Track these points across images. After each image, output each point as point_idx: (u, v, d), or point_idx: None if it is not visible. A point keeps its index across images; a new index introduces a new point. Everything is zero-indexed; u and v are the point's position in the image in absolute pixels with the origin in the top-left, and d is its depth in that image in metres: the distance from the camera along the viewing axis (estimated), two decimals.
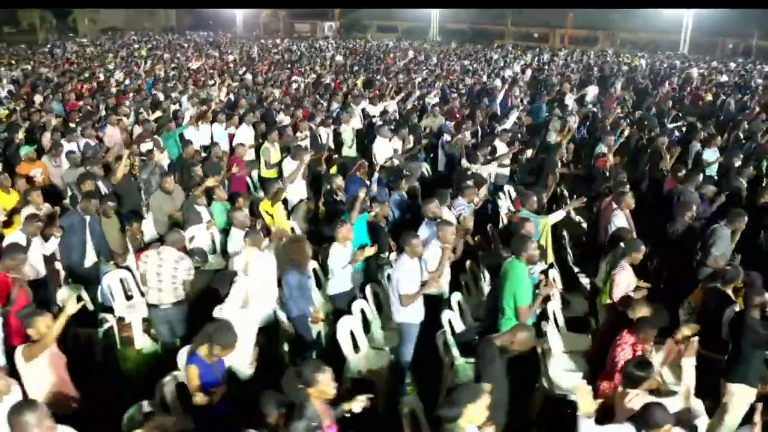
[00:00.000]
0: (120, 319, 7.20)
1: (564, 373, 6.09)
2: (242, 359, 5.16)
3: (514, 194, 10.71)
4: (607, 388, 5.38)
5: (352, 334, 6.31)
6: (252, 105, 15.04)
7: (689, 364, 4.89)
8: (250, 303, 5.32)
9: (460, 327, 6.56)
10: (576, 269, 8.69)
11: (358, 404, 4.29)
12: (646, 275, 8.68)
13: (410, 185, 9.17)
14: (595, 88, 20.33)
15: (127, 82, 20.06)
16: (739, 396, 5.25)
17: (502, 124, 12.57)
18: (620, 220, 7.55)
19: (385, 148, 11.12)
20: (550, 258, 7.67)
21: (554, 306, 6.82)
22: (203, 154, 10.76)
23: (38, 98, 15.91)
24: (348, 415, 4.32)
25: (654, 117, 14.44)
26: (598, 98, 19.23)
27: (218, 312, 5.32)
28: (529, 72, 25.56)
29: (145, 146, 11.51)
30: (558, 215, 7.75)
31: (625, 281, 6.31)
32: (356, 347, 6.32)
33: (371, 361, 6.27)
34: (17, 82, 20.56)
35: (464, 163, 10.03)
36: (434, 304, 6.43)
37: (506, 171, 11.14)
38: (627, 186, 8.10)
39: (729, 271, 5.88)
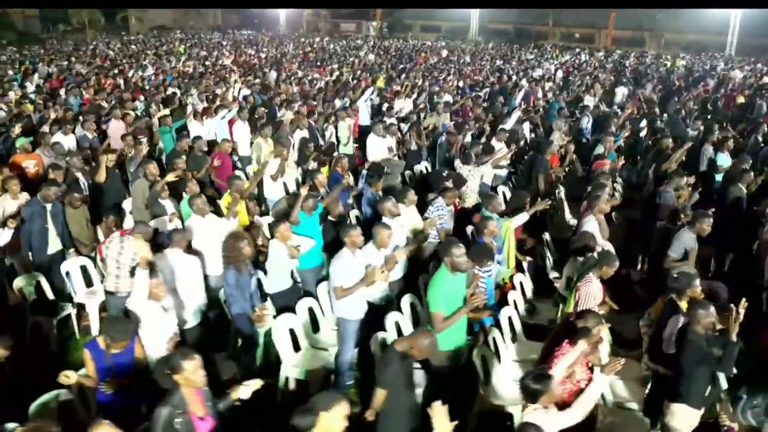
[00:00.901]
0: (81, 308, 7.23)
1: (511, 383, 5.78)
2: (158, 351, 5.06)
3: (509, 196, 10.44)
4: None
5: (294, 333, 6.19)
6: (263, 102, 15.11)
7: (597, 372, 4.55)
8: (164, 296, 5.20)
9: (408, 330, 6.31)
10: (554, 275, 8.29)
11: (245, 390, 4.12)
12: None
13: (387, 184, 8.99)
14: (624, 89, 19.72)
15: (153, 78, 20.46)
16: (681, 417, 4.85)
17: (503, 124, 12.18)
18: (590, 224, 7.15)
19: (377, 146, 10.93)
20: (512, 263, 7.30)
21: (509, 312, 6.51)
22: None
23: (63, 93, 16.39)
24: (238, 403, 4.15)
25: (678, 120, 13.82)
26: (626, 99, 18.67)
27: (128, 304, 5.24)
28: (560, 73, 24.95)
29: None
30: (521, 218, 7.40)
31: (591, 295, 5.94)
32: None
33: (309, 361, 6.09)
34: (51, 77, 21.23)
35: (457, 163, 9.72)
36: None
37: (503, 172, 10.79)
38: (604, 189, 7.67)
39: (678, 280, 5.44)
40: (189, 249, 6.45)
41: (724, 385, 5.42)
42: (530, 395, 3.97)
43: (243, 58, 28.78)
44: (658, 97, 18.75)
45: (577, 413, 4.12)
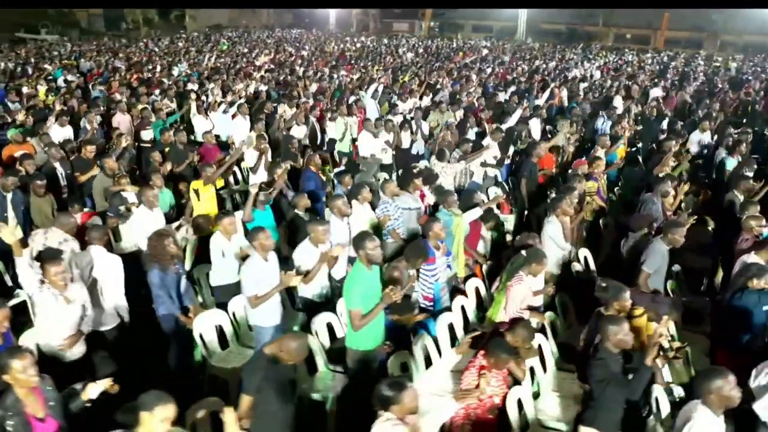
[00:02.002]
0: None
1: (430, 395, 5.43)
2: (55, 340, 5.00)
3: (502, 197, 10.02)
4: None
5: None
6: (277, 98, 15.10)
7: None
8: (64, 286, 5.07)
9: (341, 333, 6.06)
10: None
11: (94, 389, 3.95)
12: None
13: (361, 180, 8.75)
14: (658, 91, 18.83)
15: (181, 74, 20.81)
16: None
17: (505, 122, 11.74)
18: (551, 227, 6.71)
19: (369, 143, 10.70)
20: (462, 260, 6.91)
21: (450, 318, 6.15)
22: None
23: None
24: (89, 404, 3.99)
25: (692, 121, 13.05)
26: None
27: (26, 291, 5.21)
28: (597, 73, 24.09)
29: (146, 134, 11.87)
30: (474, 213, 6.99)
31: (520, 295, 5.59)
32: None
33: (231, 360, 5.90)
34: (90, 71, 21.92)
35: (432, 160, 9.40)
36: None
37: (494, 172, 10.38)
38: (571, 191, 7.18)
39: (605, 290, 4.98)
40: None
41: (666, 409, 4.98)
42: (382, 402, 3.66)
43: (281, 55, 28.96)
44: (695, 99, 17.89)
45: None
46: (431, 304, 6.29)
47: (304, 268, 6.06)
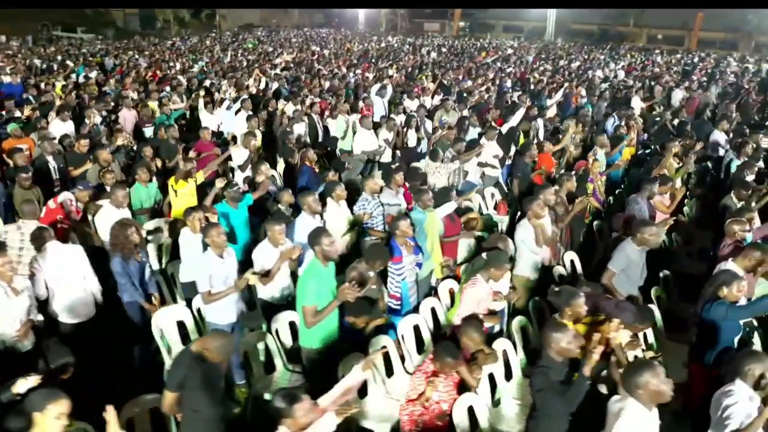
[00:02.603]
0: None
1: (386, 401, 5.28)
2: (5, 331, 5.02)
3: (499, 197, 9.80)
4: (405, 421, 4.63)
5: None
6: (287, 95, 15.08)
7: None
8: (9, 276, 5.06)
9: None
10: None
11: (22, 384, 3.85)
12: None
13: (348, 178, 8.63)
14: (681, 92, 18.27)
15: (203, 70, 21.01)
16: None
17: (508, 122, 11.47)
18: (523, 232, 6.47)
19: (365, 140, 10.56)
20: (438, 259, 6.70)
21: (415, 321, 5.96)
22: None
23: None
24: (18, 397, 3.91)
25: (705, 122, 12.57)
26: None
27: None
28: (622, 73, 23.54)
29: (149, 130, 11.94)
30: (447, 207, 6.76)
31: (473, 299, 5.37)
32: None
33: None
34: (113, 69, 22.27)
35: (426, 160, 9.20)
36: None
37: (494, 172, 10.14)
38: (544, 191, 6.90)
39: (558, 295, 4.74)
40: None
41: None
42: (275, 415, 3.50)
43: (303, 54, 29.03)
44: (720, 101, 17.30)
45: None
46: (398, 303, 6.13)
47: (261, 268, 5.91)
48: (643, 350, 5.65)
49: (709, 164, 11.05)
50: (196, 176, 7.98)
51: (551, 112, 14.44)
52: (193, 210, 6.37)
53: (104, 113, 12.43)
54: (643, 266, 6.22)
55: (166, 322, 5.81)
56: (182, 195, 7.65)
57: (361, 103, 13.35)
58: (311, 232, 5.12)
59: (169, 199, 7.83)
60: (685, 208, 9.26)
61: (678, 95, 18.11)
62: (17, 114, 11.67)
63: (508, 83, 19.82)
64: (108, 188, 7.69)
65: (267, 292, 6.06)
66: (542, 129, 12.62)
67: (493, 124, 11.59)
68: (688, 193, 9.74)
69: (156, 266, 7.23)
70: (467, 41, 42.23)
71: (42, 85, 16.07)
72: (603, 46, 36.75)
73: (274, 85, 16.50)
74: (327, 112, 12.97)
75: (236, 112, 12.40)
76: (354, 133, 11.06)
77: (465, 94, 15.55)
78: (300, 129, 11.55)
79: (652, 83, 20.60)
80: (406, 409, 4.56)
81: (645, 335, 5.99)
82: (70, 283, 5.80)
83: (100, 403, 3.46)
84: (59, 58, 25.05)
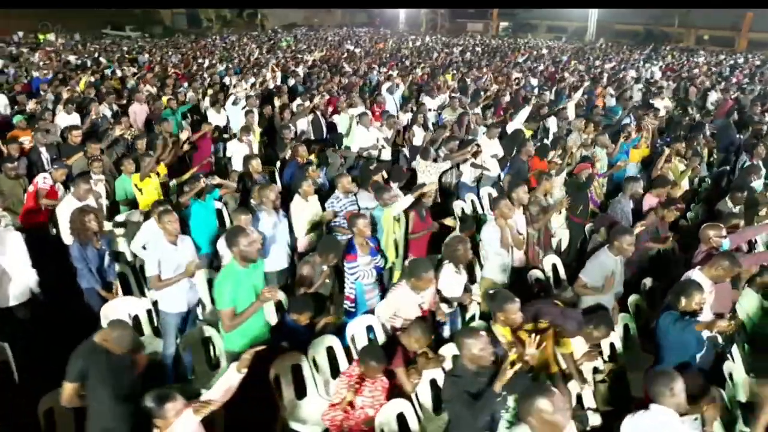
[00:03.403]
0: None
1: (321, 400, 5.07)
2: None
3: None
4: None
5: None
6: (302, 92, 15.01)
7: None
8: None
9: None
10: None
11: None
12: None
13: (331, 175, 8.46)
14: (716, 94, 17.47)
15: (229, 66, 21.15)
16: None
17: (511, 120, 11.11)
18: (487, 232, 6.16)
19: (363, 137, 10.36)
20: (392, 255, 6.44)
21: (369, 321, 5.72)
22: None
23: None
24: None
25: (728, 124, 11.91)
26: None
27: None
28: (658, 74, 22.73)
29: None
30: (404, 202, 6.47)
31: (395, 302, 5.15)
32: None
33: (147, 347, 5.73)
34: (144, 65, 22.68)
35: (418, 159, 8.95)
36: None
37: (492, 173, 9.79)
38: (519, 190, 6.58)
39: (491, 299, 4.44)
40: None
41: None
42: (148, 414, 3.35)
43: (335, 52, 29.03)
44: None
45: None
46: (353, 305, 5.91)
47: (225, 260, 5.83)
48: (605, 362, 5.34)
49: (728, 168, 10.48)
50: (158, 169, 7.91)
51: (570, 113, 13.96)
52: (159, 204, 6.30)
53: (115, 107, 12.57)
54: (620, 273, 5.87)
55: (116, 312, 5.74)
56: (147, 192, 7.61)
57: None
58: (228, 232, 4.94)
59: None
60: (690, 213, 8.75)
61: (712, 97, 17.34)
62: (29, 107, 11.88)
63: (534, 82, 19.33)
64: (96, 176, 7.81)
65: None
66: (555, 128, 12.22)
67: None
68: (695, 197, 9.24)
69: (130, 258, 7.20)
70: (506, 41, 41.53)
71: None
72: (644, 47, 35.57)
73: (290, 82, 16.46)
74: (331, 109, 12.80)
75: (243, 108, 12.38)
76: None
77: (482, 92, 15.17)
78: (302, 124, 11.44)
79: (688, 84, 19.78)
80: (327, 414, 4.36)
81: (613, 346, 5.65)
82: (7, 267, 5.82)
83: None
84: (96, 55, 25.62)
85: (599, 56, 29.46)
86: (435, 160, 8.84)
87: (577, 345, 4.99)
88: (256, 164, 8.19)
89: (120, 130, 9.87)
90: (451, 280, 5.58)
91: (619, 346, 5.63)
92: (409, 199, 6.39)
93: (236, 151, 9.45)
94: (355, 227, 5.87)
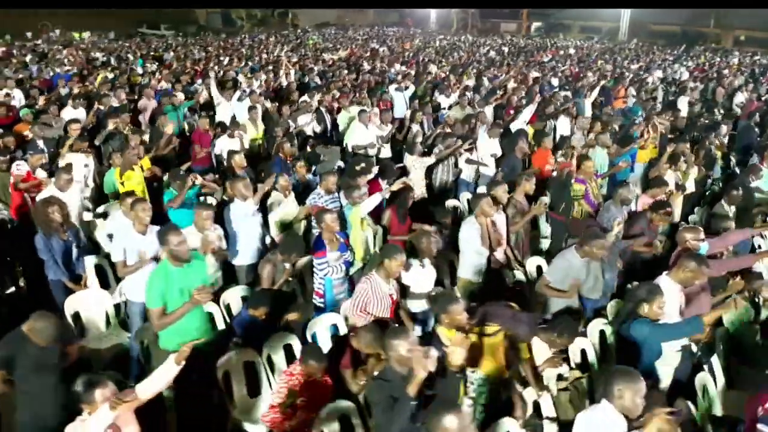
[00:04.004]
0: None
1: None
2: None
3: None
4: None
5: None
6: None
7: None
8: None
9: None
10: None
11: None
12: None
13: (324, 169, 8.35)
14: (743, 95, 16.89)
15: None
16: None
17: (515, 119, 10.85)
18: (466, 230, 5.95)
19: (359, 134, 10.22)
20: (359, 255, 6.27)
21: (333, 320, 5.59)
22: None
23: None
24: None
25: (750, 126, 11.45)
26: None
27: None
28: (686, 74, 22.10)
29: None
30: (372, 201, 6.31)
31: (362, 295, 4.98)
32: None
33: (105, 341, 5.71)
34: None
35: (405, 154, 8.79)
36: None
37: (490, 171, 9.57)
38: (498, 189, 6.35)
39: (434, 301, 4.24)
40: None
41: None
42: (76, 399, 3.34)
43: (360, 52, 28.97)
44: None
45: None
46: (322, 300, 5.79)
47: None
48: (571, 368, 5.10)
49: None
50: (141, 163, 7.89)
51: (587, 112, 13.62)
52: (127, 195, 6.28)
53: (124, 101, 12.68)
54: (596, 278, 5.62)
55: (82, 304, 5.73)
56: (129, 185, 7.58)
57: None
58: (159, 231, 4.83)
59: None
60: (693, 216, 8.38)
61: (739, 98, 16.76)
62: (40, 101, 12.06)
63: (555, 82, 18.95)
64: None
65: None
66: (566, 127, 11.91)
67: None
68: (702, 200, 8.87)
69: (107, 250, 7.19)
70: (535, 41, 40.95)
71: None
72: (676, 48, 34.66)
73: (306, 79, 16.44)
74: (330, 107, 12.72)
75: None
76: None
77: (499, 91, 14.90)
78: (303, 120, 11.37)
79: (716, 85, 19.17)
80: (267, 416, 4.23)
81: (584, 353, 5.40)
82: None
83: None
84: (123, 53, 26.03)
85: (627, 56, 28.79)
86: (422, 156, 8.66)
87: (541, 350, 4.79)
88: (239, 159, 8.13)
89: (113, 124, 9.90)
90: (415, 274, 5.40)
91: (591, 353, 5.37)
92: (377, 199, 6.24)
93: (225, 147, 9.39)
94: (323, 223, 5.74)
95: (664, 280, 4.77)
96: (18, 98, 13.40)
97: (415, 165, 8.42)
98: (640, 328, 4.28)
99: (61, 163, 7.99)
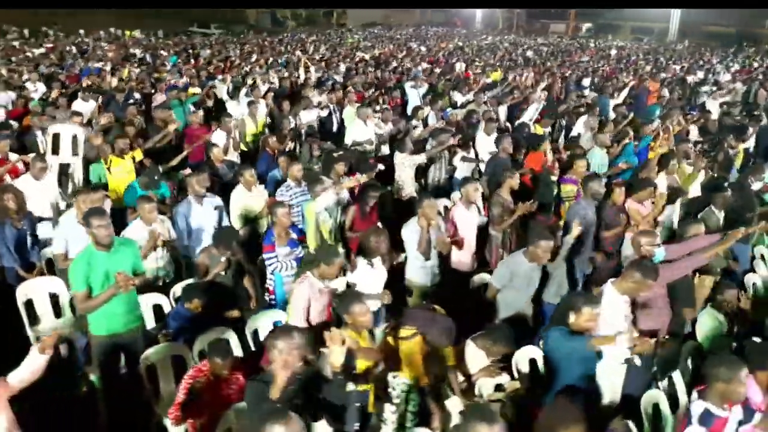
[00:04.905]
0: None
1: None
2: None
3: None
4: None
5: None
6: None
7: None
8: None
9: None
10: None
11: None
12: None
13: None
14: None
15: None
16: None
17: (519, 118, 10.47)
18: (406, 231, 5.69)
19: (358, 131, 10.03)
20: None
21: (276, 317, 5.42)
22: None
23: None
24: None
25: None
26: None
27: None
28: (728, 76, 21.11)
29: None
30: (325, 197, 6.09)
31: (302, 297, 4.73)
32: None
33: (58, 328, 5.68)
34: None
35: (396, 153, 8.54)
36: None
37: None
38: (468, 187, 6.04)
39: (339, 301, 3.99)
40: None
41: None
42: None
43: (393, 50, 28.81)
44: None
45: None
46: (273, 297, 5.63)
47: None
48: (513, 378, 4.79)
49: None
50: (134, 154, 7.88)
51: (611, 113, 13.08)
52: (81, 192, 6.23)
53: (138, 96, 12.85)
54: (559, 284, 5.31)
55: (34, 293, 5.71)
56: (116, 173, 7.59)
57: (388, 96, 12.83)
58: (86, 212, 4.76)
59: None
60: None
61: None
62: (53, 94, 12.32)
63: (586, 82, 18.36)
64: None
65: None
66: (581, 128, 11.44)
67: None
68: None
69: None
70: (579, 42, 39.95)
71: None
72: (726, 49, 33.22)
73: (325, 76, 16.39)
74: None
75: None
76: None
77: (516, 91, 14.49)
78: (308, 117, 11.26)
79: (758, 87, 18.22)
80: (172, 413, 4.07)
81: (534, 363, 5.06)
82: None
83: None
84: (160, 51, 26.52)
85: (671, 57, 27.72)
86: (413, 154, 8.40)
87: (478, 358, 4.51)
88: (216, 152, 8.12)
89: (105, 119, 9.98)
90: (363, 273, 5.17)
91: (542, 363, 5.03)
92: (330, 195, 6.03)
93: (214, 139, 9.31)
94: (275, 216, 5.59)
95: (608, 289, 4.41)
96: (40, 91, 13.77)
97: (405, 163, 8.15)
98: (551, 337, 3.98)
99: (49, 131, 8.24)
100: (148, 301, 5.55)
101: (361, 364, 3.78)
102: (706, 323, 5.16)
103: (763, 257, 7.11)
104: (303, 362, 3.37)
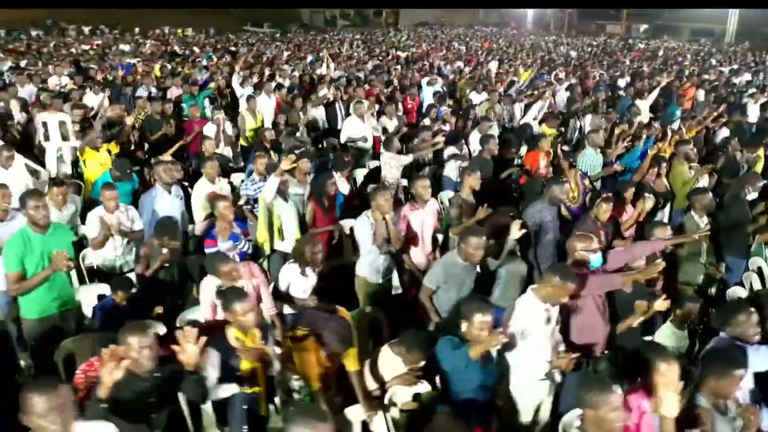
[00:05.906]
0: None
1: None
2: None
3: None
4: None
5: None
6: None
7: None
8: None
9: None
10: None
11: None
12: None
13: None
14: None
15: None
16: None
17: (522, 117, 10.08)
18: (358, 225, 5.46)
19: (353, 127, 9.85)
20: (266, 246, 5.92)
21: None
22: None
23: None
24: None
25: None
26: None
27: None
28: (747, 76, 20.11)
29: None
30: (269, 188, 5.88)
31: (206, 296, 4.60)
32: None
33: None
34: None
35: (382, 152, 8.32)
36: None
37: None
38: (418, 183, 5.77)
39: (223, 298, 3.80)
40: None
41: None
42: None
43: (435, 50, 28.53)
44: None
45: None
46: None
47: (91, 234, 5.70)
48: (435, 389, 4.50)
49: None
50: (109, 146, 7.91)
51: (644, 116, 12.47)
52: (55, 185, 6.28)
53: (152, 89, 13.03)
54: (514, 287, 4.99)
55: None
56: (90, 165, 7.64)
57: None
58: (23, 193, 4.75)
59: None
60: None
61: None
62: (68, 87, 12.60)
63: (622, 83, 17.67)
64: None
65: (94, 258, 5.89)
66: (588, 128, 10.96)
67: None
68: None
69: None
70: (630, 43, 38.65)
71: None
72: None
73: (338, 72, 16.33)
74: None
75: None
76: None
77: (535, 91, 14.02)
78: (315, 114, 11.16)
79: None
80: None
81: None
82: None
83: None
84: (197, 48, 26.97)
85: (722, 59, 26.44)
86: (400, 153, 8.16)
87: (393, 365, 4.25)
88: (208, 144, 8.08)
89: (110, 111, 10.09)
90: (294, 280, 4.95)
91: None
92: (272, 186, 5.84)
93: (207, 132, 9.31)
94: (216, 210, 5.48)
95: (526, 296, 4.07)
96: (63, 85, 14.16)
97: (391, 163, 7.88)
98: (439, 347, 3.72)
99: (38, 119, 8.46)
100: (93, 291, 5.55)
101: (245, 365, 3.61)
102: (665, 339, 4.75)
103: (760, 270, 6.58)
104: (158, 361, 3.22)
